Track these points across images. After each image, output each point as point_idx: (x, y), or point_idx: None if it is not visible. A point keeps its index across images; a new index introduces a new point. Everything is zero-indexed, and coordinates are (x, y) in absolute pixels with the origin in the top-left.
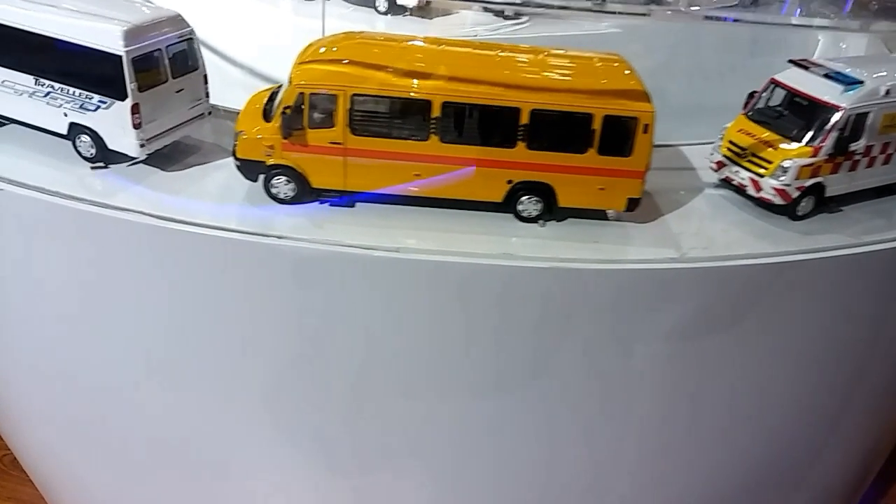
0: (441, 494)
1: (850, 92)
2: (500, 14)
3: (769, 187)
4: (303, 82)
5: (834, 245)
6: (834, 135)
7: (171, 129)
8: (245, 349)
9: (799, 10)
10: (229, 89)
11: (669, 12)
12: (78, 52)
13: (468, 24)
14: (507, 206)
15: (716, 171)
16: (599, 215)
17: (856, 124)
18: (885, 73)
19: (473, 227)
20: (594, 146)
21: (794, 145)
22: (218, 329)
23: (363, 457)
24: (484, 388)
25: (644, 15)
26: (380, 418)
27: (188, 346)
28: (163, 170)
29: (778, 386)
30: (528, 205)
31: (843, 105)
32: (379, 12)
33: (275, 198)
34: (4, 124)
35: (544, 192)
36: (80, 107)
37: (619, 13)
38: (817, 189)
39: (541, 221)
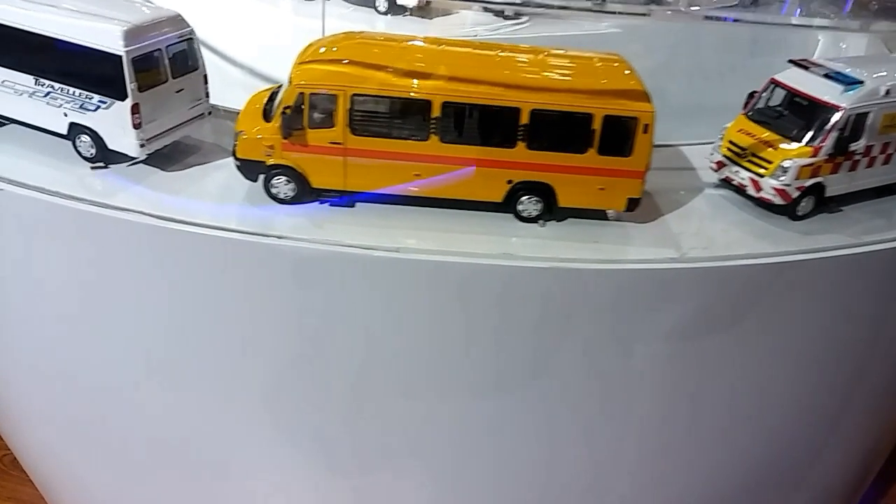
0: (441, 494)
1: (851, 92)
2: (499, 14)
3: (769, 187)
4: (303, 82)
5: (834, 245)
6: (834, 135)
7: (171, 129)
8: (245, 349)
9: (799, 10)
10: (229, 89)
11: (669, 12)
12: (78, 52)
13: (468, 24)
14: (507, 206)
15: (716, 171)
16: (599, 215)
17: (856, 124)
18: (884, 73)
19: (473, 227)
20: (594, 146)
21: (795, 145)
22: (218, 329)
23: (363, 457)
24: (484, 388)
25: (644, 15)
26: (380, 418)
27: (188, 346)
28: (163, 170)
29: (778, 386)
30: (528, 205)
31: (843, 105)
32: (379, 12)
33: (275, 198)
34: (4, 124)
35: (544, 192)
36: (80, 107)
37: (619, 13)
38: (817, 189)
39: (540, 221)
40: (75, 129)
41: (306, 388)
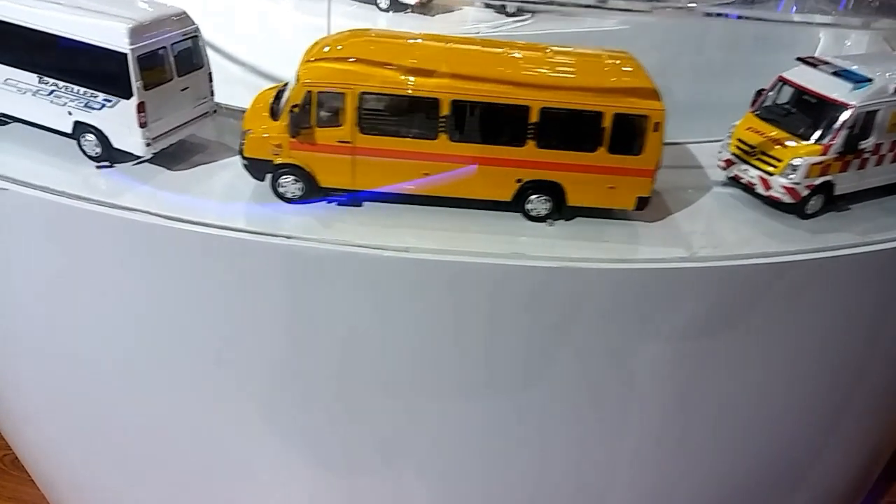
0: (448, 496)
1: (860, 90)
2: (502, 11)
3: (779, 185)
4: (311, 80)
5: (844, 244)
6: (844, 133)
7: (176, 127)
8: (254, 349)
9: (794, 8)
10: (231, 87)
11: (669, 9)
12: (82, 50)
13: (470, 21)
14: (516, 205)
15: (724, 169)
16: (608, 214)
17: (865, 122)
18: (893, 71)
19: (482, 226)
20: (604, 144)
21: (804, 143)
22: (225, 329)
23: (377, 458)
24: (494, 388)
25: (644, 12)
26: (392, 418)
27: (195, 346)
28: (168, 169)
29: (786, 385)
30: (537, 204)
31: (853, 103)
32: (380, 9)
33: (282, 197)
34: (8, 123)
35: (553, 191)
36: (85, 105)
37: (619, 10)
38: (826, 187)
39: (549, 221)
40: (80, 128)
41: (317, 388)
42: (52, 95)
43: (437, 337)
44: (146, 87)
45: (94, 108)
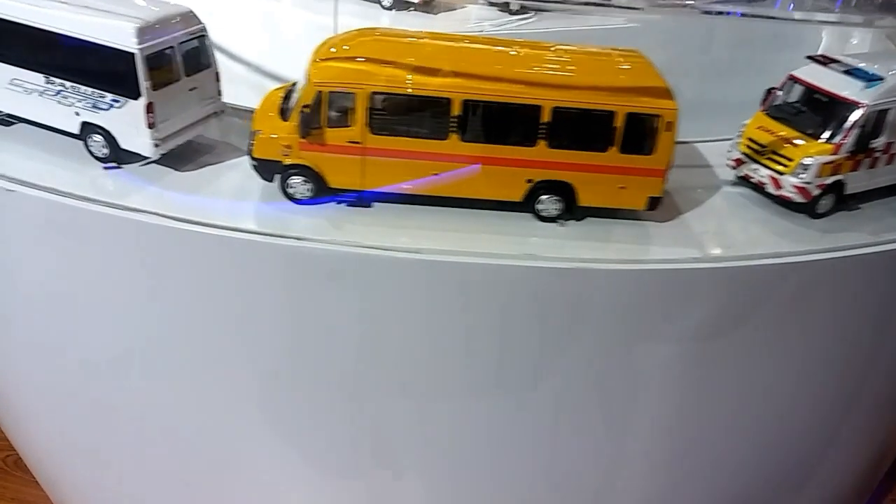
0: (457, 496)
1: (871, 88)
2: (505, 9)
3: (790, 185)
4: (322, 80)
5: (855, 243)
6: (855, 132)
7: (184, 128)
8: (264, 351)
9: (792, 5)
10: (235, 86)
11: (669, 7)
12: (90, 50)
13: (473, 19)
14: (527, 205)
15: (734, 168)
16: (618, 214)
17: (876, 121)
18: None
19: (492, 227)
20: (616, 144)
21: (815, 142)
22: (235, 330)
23: (388, 459)
24: (507, 388)
25: (637, 9)
26: (402, 419)
27: (204, 348)
28: (176, 170)
29: (796, 385)
30: (548, 204)
31: (865, 101)
32: (383, 7)
33: (291, 198)
34: (14, 123)
35: (565, 192)
36: (93, 106)
37: (620, 7)
38: (837, 187)
39: (560, 221)
40: (87, 129)
41: (326, 389)
42: (59, 96)
43: (448, 338)
44: (154, 87)
45: (101, 109)
